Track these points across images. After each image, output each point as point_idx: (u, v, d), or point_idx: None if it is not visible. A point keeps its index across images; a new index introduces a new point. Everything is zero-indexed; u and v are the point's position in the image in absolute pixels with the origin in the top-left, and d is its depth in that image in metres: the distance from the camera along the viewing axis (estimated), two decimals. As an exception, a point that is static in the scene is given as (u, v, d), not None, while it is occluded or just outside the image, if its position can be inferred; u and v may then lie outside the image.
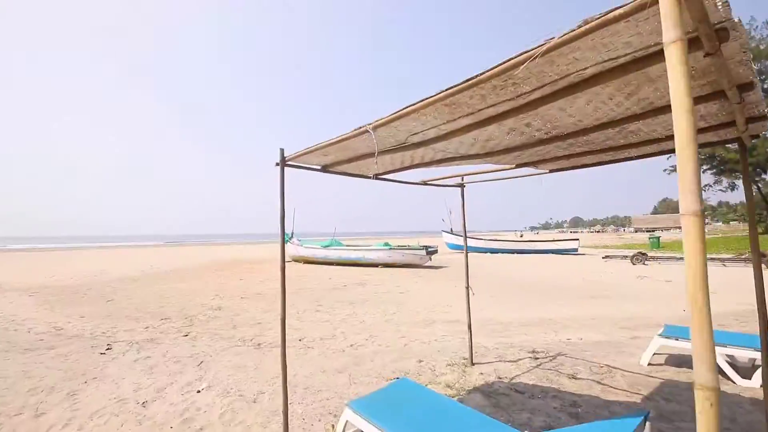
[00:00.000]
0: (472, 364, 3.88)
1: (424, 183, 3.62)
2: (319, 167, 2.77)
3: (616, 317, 6.57)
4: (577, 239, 21.30)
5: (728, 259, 14.50)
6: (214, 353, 4.62)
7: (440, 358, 4.20)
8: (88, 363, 4.36)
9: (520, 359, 4.09)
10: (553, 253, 21.56)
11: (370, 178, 3.10)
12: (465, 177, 3.89)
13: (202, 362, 4.24)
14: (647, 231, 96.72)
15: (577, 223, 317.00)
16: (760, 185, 32.67)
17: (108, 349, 4.93)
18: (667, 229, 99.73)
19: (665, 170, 38.10)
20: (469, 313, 4.15)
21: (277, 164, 2.53)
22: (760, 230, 38.41)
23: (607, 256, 16.35)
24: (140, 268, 17.16)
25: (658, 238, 23.41)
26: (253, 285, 10.91)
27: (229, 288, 10.44)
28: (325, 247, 16.99)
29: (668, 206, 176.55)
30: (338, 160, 2.59)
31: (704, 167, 36.29)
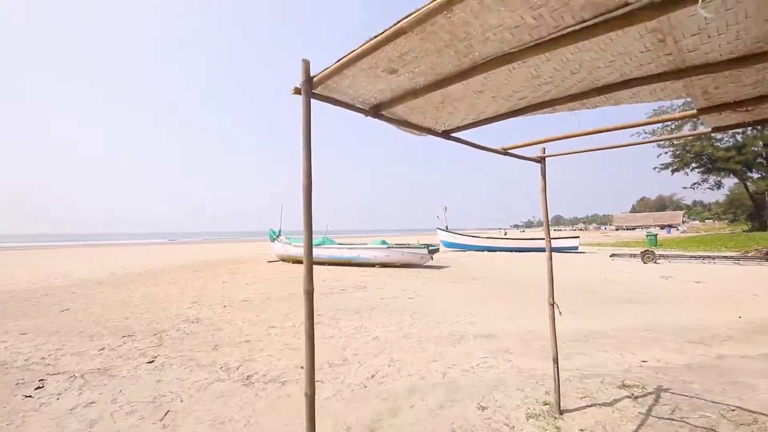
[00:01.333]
0: (561, 412, 2.75)
1: (504, 151, 2.44)
2: (367, 107, 1.56)
3: (672, 327, 5.59)
4: (578, 237, 20.57)
5: (739, 258, 13.93)
6: (187, 395, 3.33)
7: (506, 400, 3.05)
8: (0, 415, 3.02)
9: (617, 400, 2.98)
10: (553, 251, 20.76)
11: (437, 134, 1.91)
12: (547, 148, 2.74)
13: (167, 413, 2.95)
14: (627, 229, 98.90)
15: (558, 221, 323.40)
16: (748, 183, 33.07)
17: (38, 388, 3.58)
18: (647, 227, 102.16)
19: (655, 168, 38.26)
20: (555, 344, 2.97)
21: (297, 90, 1.31)
22: (745, 228, 39.10)
23: (614, 255, 15.61)
24: (110, 269, 15.50)
25: (655, 235, 22.99)
26: (237, 289, 9.56)
27: (210, 293, 9.06)
28: (317, 245, 15.66)
29: (646, 205, 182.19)
30: (411, 88, 1.38)
31: (692, 165, 36.52)
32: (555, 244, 20.64)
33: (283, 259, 17.07)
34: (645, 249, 15.11)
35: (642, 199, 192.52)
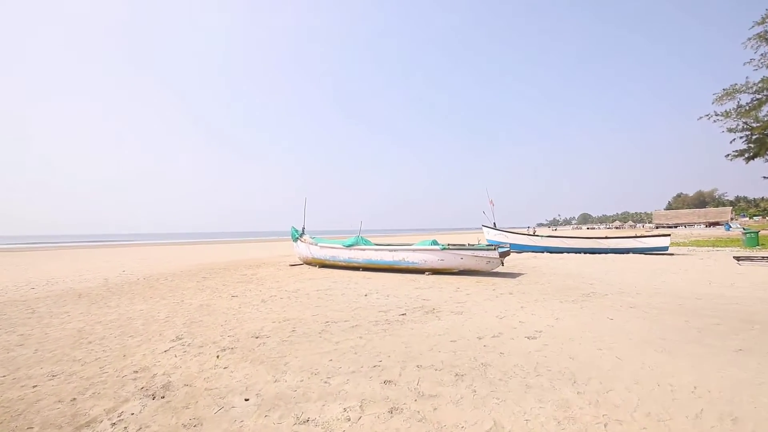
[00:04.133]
0: None
1: None
2: None
3: None
4: (668, 235, 16.73)
5: None
6: None
7: None
8: None
9: None
10: (636, 252, 17.02)
11: None
12: None
13: None
14: (668, 226, 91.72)
15: (585, 219, 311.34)
16: None
17: None
18: (690, 224, 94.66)
19: (727, 155, 33.44)
20: None
21: None
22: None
23: (740, 258, 11.88)
24: (107, 275, 13.04)
25: (757, 233, 18.72)
26: (248, 310, 6.63)
27: (209, 317, 6.16)
28: (349, 246, 12.68)
29: (683, 201, 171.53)
30: None
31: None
32: (644, 244, 16.87)
33: (308, 263, 14.21)
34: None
35: (679, 195, 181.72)
